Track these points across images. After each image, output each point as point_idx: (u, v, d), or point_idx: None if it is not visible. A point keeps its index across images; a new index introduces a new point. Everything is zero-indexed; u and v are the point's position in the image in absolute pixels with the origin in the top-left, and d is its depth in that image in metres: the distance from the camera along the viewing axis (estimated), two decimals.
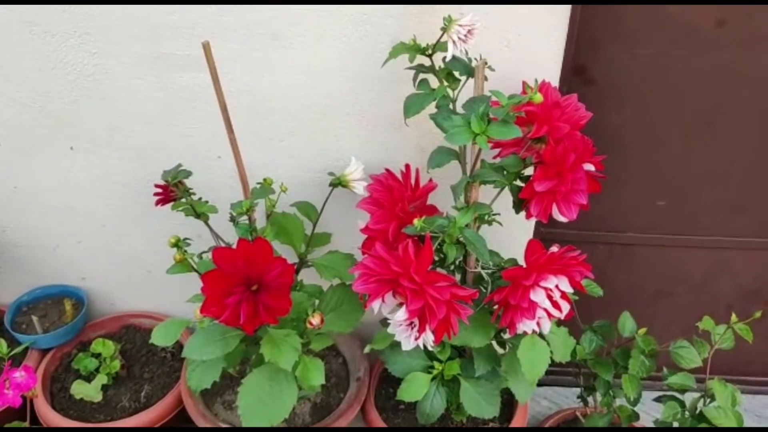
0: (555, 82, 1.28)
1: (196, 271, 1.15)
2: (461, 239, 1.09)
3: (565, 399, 1.85)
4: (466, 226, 1.09)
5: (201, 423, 1.41)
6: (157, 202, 1.25)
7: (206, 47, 1.02)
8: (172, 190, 1.24)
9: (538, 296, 1.06)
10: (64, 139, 1.42)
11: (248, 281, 1.03)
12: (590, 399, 1.48)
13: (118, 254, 1.62)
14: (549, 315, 1.10)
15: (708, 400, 1.31)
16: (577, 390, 1.51)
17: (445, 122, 1.02)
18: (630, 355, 1.35)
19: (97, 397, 1.50)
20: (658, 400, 1.37)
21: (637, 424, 1.42)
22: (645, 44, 1.33)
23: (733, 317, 1.31)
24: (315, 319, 1.13)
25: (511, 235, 1.32)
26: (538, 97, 0.96)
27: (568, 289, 1.08)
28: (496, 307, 1.14)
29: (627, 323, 1.39)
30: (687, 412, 1.30)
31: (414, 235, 1.07)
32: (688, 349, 1.33)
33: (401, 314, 1.00)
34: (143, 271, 1.64)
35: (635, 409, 1.39)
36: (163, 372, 1.60)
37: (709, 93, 1.40)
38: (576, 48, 1.30)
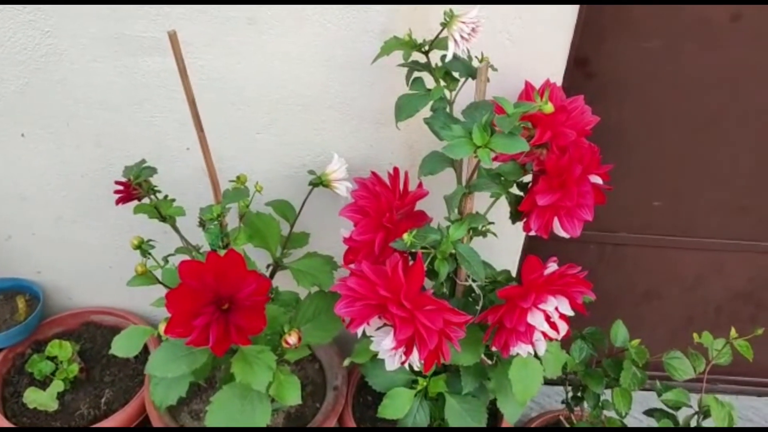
0: (559, 78, 1.18)
1: (161, 283, 1.04)
2: (454, 253, 0.99)
3: (548, 399, 1.80)
4: (460, 240, 0.99)
5: None
6: (118, 201, 1.13)
7: (172, 37, 0.89)
8: (135, 189, 1.11)
9: (535, 319, 0.98)
10: (15, 126, 1.29)
11: (218, 300, 0.92)
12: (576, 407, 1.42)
13: (76, 247, 1.49)
14: (545, 336, 1.02)
15: (702, 417, 1.26)
16: (561, 388, 1.45)
17: (443, 131, 0.90)
18: (621, 367, 1.28)
19: (53, 405, 1.38)
20: (649, 414, 1.32)
21: None
22: (653, 37, 1.24)
23: (733, 332, 1.25)
24: (292, 338, 1.03)
25: (501, 236, 1.23)
26: (549, 108, 0.85)
27: (569, 312, 1.00)
28: (489, 324, 1.05)
29: (619, 332, 1.32)
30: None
31: (403, 251, 0.98)
32: (682, 360, 1.27)
33: (388, 342, 0.91)
34: (104, 266, 1.52)
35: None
36: (126, 375, 1.48)
37: (716, 90, 1.32)
38: (580, 39, 1.20)
